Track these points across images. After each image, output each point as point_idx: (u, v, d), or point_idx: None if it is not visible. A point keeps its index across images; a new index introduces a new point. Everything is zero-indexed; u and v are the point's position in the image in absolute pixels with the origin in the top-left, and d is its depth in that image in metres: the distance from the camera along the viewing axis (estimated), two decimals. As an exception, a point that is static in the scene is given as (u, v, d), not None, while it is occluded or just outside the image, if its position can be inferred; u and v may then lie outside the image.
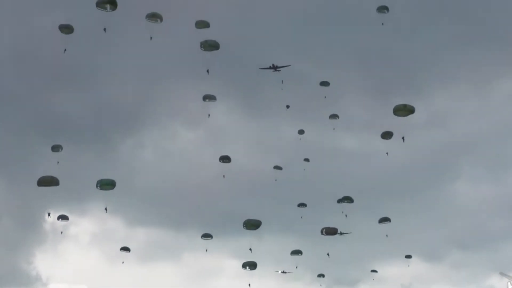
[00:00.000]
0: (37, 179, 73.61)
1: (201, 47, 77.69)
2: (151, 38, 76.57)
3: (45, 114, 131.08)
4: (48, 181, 73.07)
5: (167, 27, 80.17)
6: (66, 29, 76.04)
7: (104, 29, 73.55)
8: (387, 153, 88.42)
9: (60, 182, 74.06)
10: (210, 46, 77.59)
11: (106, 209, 79.94)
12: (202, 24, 78.51)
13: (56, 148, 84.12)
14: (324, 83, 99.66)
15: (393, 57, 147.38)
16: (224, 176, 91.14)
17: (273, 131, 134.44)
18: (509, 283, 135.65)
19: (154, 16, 74.85)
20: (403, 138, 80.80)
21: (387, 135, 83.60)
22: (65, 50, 78.29)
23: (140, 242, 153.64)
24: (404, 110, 73.99)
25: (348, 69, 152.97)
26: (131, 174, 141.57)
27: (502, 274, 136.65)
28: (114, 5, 68.82)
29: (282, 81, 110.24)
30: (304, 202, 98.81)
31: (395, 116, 75.85)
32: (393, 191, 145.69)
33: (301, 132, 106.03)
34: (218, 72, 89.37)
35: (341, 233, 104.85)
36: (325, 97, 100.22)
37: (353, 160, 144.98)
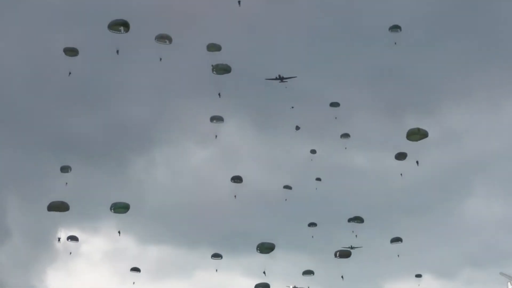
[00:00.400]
0: (48, 203, 73.45)
1: (212, 70, 78.05)
2: (160, 59, 76.97)
3: (57, 134, 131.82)
4: (58, 206, 73.08)
5: (177, 47, 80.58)
6: (71, 51, 76.56)
7: (117, 51, 73.87)
8: (401, 174, 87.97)
9: (72, 201, 74.23)
10: (222, 70, 77.99)
11: (119, 232, 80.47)
12: (213, 48, 78.96)
13: (65, 169, 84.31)
14: (334, 104, 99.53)
15: (405, 75, 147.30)
16: (235, 196, 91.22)
17: (284, 149, 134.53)
18: (509, 283, 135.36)
19: (162, 38, 75.06)
20: (417, 162, 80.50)
21: (401, 156, 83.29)
22: (69, 73, 78.83)
23: (151, 260, 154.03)
24: (417, 134, 73.68)
25: (360, 87, 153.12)
26: (143, 192, 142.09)
27: (502, 274, 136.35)
28: (127, 27, 69.08)
29: (292, 106, 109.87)
30: (315, 222, 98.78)
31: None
32: (405, 208, 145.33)
33: (313, 151, 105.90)
34: (229, 91, 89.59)
35: (351, 247, 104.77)
36: (335, 118, 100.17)
37: (365, 178, 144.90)
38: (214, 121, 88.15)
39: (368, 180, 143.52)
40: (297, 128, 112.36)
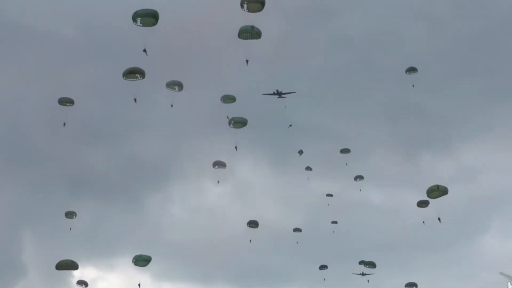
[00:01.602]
0: (57, 261, 72.80)
1: (229, 124, 78.75)
2: (171, 105, 77.40)
3: (73, 171, 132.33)
4: (67, 265, 72.71)
5: (192, 88, 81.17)
6: (66, 102, 77.30)
7: (135, 99, 74.45)
8: (423, 222, 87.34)
9: (89, 237, 74.22)
10: (239, 123, 78.62)
11: (139, 285, 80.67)
12: (228, 99, 79.83)
13: (70, 214, 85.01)
14: (345, 150, 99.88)
15: (421, 113, 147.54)
16: (250, 241, 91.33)
17: (299, 187, 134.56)
18: (509, 283, 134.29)
19: (173, 84, 75.62)
20: (439, 219, 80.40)
21: (423, 203, 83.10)
22: (64, 124, 79.44)
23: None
24: (437, 191, 73.73)
25: (376, 124, 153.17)
26: (158, 229, 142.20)
27: (503, 274, 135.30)
28: (142, 74, 69.30)
29: (302, 150, 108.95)
30: (326, 264, 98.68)
31: (423, 173, 75.86)
32: (420, 245, 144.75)
33: (329, 195, 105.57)
34: (244, 133, 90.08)
35: (362, 274, 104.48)
36: (346, 164, 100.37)
37: (380, 215, 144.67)
38: (216, 166, 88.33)
39: (383, 217, 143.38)
40: (300, 152, 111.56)
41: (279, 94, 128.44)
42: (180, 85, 75.70)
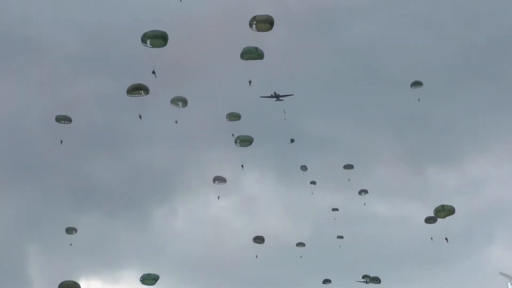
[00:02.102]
0: (59, 283, 72.52)
1: (236, 143, 78.68)
2: (176, 121, 77.24)
3: (78, 183, 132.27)
4: (70, 286, 72.36)
5: (197, 102, 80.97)
6: (64, 119, 77.09)
7: (140, 116, 74.21)
8: (431, 238, 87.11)
9: (95, 250, 74.15)
10: (245, 142, 78.55)
11: None
12: (234, 117, 79.74)
13: (70, 230, 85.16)
14: (348, 166, 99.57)
15: (426, 123, 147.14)
16: (257, 256, 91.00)
17: (304, 200, 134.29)
18: (509, 283, 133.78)
19: (177, 100, 75.43)
20: (446, 239, 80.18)
21: (431, 220, 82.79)
22: (61, 141, 79.28)
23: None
24: (443, 211, 73.64)
25: (382, 135, 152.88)
26: (163, 242, 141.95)
27: (503, 274, 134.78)
28: (146, 91, 69.06)
29: (305, 166, 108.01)
30: (329, 278, 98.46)
31: (429, 185, 75.71)
32: (425, 257, 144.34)
33: (335, 209, 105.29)
34: (257, 144, 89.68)
35: (367, 282, 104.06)
36: (349, 180, 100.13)
37: (385, 227, 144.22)
38: (216, 182, 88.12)
39: (388, 229, 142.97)
40: (292, 141, 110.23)
41: (277, 96, 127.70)
42: (184, 101, 75.60)
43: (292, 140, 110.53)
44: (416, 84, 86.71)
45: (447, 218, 73.95)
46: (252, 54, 66.10)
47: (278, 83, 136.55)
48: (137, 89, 68.86)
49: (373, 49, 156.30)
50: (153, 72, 67.60)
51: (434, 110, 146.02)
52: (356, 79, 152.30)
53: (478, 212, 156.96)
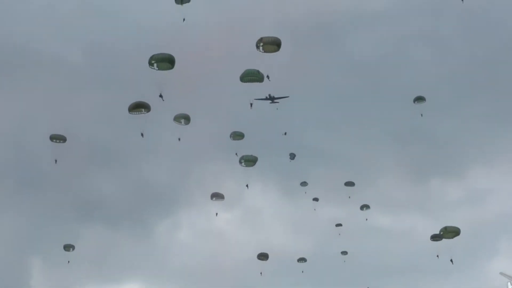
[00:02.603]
0: None
1: (240, 163, 78.99)
2: (179, 139, 77.39)
3: (81, 197, 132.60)
4: None
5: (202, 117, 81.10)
6: (58, 139, 77.31)
7: (142, 134, 74.32)
8: (437, 256, 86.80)
9: (98, 263, 74.41)
10: (250, 161, 78.79)
11: None
12: (237, 136, 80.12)
13: (67, 247, 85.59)
14: (349, 183, 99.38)
15: (429, 136, 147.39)
16: (261, 273, 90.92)
17: (307, 214, 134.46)
18: (509, 283, 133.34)
19: (180, 118, 75.58)
20: (451, 260, 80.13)
21: (436, 238, 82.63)
22: (56, 161, 79.45)
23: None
24: (447, 233, 73.75)
25: (386, 148, 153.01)
26: (167, 254, 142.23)
27: (502, 274, 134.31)
28: (148, 108, 69.16)
29: (306, 182, 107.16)
30: None
31: (433, 197, 75.79)
32: (429, 270, 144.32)
33: (339, 225, 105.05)
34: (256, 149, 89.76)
35: None
36: (349, 197, 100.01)
37: (389, 240, 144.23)
38: (214, 198, 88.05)
39: (392, 242, 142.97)
40: (292, 156, 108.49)
41: (271, 98, 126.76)
42: (187, 118, 75.59)
43: (292, 156, 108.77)
44: (419, 99, 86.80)
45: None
46: (252, 76, 66.15)
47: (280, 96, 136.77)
48: (138, 107, 68.86)
49: (376, 63, 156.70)
50: (160, 96, 67.81)
51: (437, 122, 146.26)
52: (359, 92, 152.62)
53: (482, 225, 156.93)
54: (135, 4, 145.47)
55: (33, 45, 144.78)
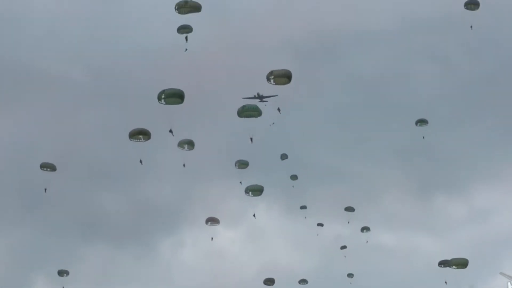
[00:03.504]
0: None
1: (247, 193, 78.75)
2: (184, 165, 77.01)
3: (84, 215, 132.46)
4: None
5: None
6: (47, 167, 77.10)
7: (141, 161, 73.99)
8: (445, 282, 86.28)
9: (101, 281, 74.15)
10: (257, 191, 78.57)
11: None
12: (242, 164, 79.98)
13: (61, 273, 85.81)
14: (349, 209, 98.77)
15: (432, 153, 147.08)
16: None
17: (310, 234, 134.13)
18: (509, 283, 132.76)
19: (183, 143, 75.10)
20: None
21: (444, 264, 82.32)
22: (45, 189, 79.18)
23: None
24: (455, 265, 73.82)
25: (389, 165, 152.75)
26: (170, 273, 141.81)
27: (502, 274, 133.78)
28: (148, 135, 68.57)
29: (305, 206, 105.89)
30: None
31: (436, 215, 75.83)
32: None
33: (343, 247, 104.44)
34: (257, 172, 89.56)
35: None
36: (348, 222, 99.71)
37: (393, 258, 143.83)
38: (209, 223, 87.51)
39: (396, 260, 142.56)
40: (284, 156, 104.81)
41: (260, 98, 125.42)
42: (190, 144, 75.17)
43: (284, 157, 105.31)
44: (421, 122, 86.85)
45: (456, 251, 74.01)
46: (251, 112, 66.09)
47: (283, 113, 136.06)
48: (137, 134, 68.47)
49: (379, 80, 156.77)
50: (170, 131, 67.54)
51: (441, 140, 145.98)
52: (362, 109, 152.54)
53: (486, 242, 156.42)
54: (139, 25, 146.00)
55: (36, 64, 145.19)
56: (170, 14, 66.52)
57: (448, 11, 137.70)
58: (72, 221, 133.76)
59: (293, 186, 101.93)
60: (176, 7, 64.15)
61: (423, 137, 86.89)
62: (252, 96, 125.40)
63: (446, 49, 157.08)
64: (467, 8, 74.90)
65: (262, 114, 65.99)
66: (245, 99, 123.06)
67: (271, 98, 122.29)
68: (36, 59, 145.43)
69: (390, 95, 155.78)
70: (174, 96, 61.72)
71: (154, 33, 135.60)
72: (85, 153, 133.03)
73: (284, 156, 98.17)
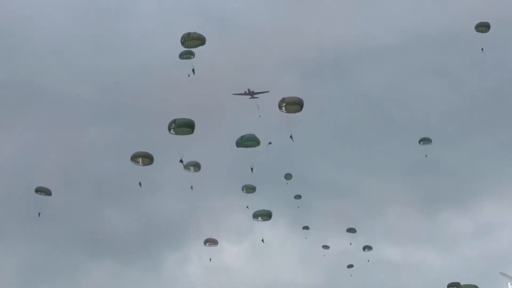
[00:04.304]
0: None
1: (256, 218, 79.36)
2: (191, 187, 77.35)
3: (90, 231, 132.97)
4: None
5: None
6: (41, 191, 77.42)
7: (140, 184, 74.23)
8: None
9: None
10: (266, 216, 79.16)
11: None
12: (249, 189, 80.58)
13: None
14: (351, 230, 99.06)
15: (437, 168, 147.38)
16: None
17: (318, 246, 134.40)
18: (509, 283, 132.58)
19: (189, 166, 75.39)
20: None
21: (454, 286, 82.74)
22: (39, 214, 79.38)
23: None
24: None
25: (394, 180, 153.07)
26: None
27: (502, 274, 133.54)
28: (150, 159, 68.91)
29: (308, 226, 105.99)
30: None
31: (441, 230, 76.26)
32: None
33: (350, 266, 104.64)
34: (263, 191, 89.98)
35: None
36: (350, 243, 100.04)
37: (398, 273, 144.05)
38: (208, 244, 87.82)
39: (401, 275, 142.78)
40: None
41: (251, 94, 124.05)
42: (196, 165, 75.55)
43: (288, 176, 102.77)
44: (425, 141, 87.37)
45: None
46: (249, 142, 66.31)
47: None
48: (138, 157, 69.13)
49: (384, 95, 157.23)
50: (181, 161, 67.95)
51: (446, 155, 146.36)
52: (367, 125, 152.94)
53: (492, 258, 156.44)
54: (146, 43, 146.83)
55: (41, 80, 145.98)
56: (177, 32, 67.15)
57: (454, 28, 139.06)
58: (80, 237, 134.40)
59: (298, 206, 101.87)
60: (182, 41, 64.47)
61: (426, 155, 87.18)
62: (243, 92, 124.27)
63: (452, 65, 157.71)
64: (478, 31, 75.33)
65: (260, 144, 66.22)
66: (236, 95, 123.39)
67: (262, 94, 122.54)
68: (42, 77, 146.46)
69: (395, 111, 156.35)
70: (184, 126, 62.03)
71: (160, 51, 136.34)
72: (92, 170, 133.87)
73: (288, 176, 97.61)
